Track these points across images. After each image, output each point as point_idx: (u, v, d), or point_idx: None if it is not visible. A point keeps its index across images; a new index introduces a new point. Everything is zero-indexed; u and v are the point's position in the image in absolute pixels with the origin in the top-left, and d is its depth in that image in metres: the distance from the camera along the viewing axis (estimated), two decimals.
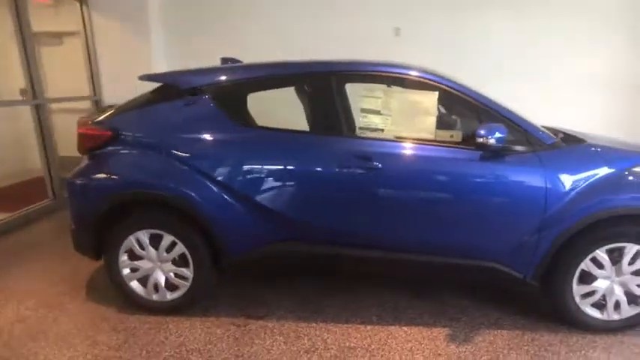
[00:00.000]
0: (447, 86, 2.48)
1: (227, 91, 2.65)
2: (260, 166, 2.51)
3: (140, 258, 2.68)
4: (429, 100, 2.46)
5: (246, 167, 2.51)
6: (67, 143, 4.68)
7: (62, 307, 2.85)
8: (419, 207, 2.43)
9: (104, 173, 2.61)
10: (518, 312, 2.72)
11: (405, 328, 2.58)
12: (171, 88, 2.68)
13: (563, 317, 2.52)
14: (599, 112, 5.33)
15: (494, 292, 2.92)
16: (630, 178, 2.38)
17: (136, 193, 2.57)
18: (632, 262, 2.37)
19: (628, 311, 2.44)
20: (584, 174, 2.35)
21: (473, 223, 2.40)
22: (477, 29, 5.43)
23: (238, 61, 3.14)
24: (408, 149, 2.44)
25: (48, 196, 4.78)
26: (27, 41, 4.26)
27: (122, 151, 2.61)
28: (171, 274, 2.67)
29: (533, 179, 2.34)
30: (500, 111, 2.43)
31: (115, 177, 2.61)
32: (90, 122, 2.72)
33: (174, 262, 2.66)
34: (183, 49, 5.85)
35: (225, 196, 2.52)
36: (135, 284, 2.73)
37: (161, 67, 5.84)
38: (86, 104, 5.87)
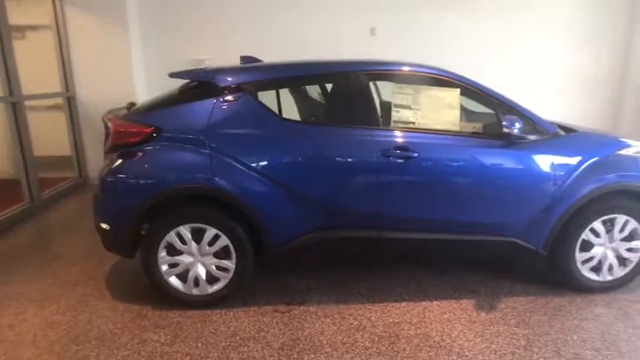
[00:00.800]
0: (467, 84, 2.77)
1: (267, 88, 2.74)
2: (303, 158, 2.63)
3: (179, 253, 2.69)
4: (452, 95, 2.74)
5: (290, 160, 2.63)
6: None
7: (91, 309, 2.78)
8: (452, 191, 2.70)
9: (148, 170, 2.60)
10: (526, 281, 3.08)
11: (436, 302, 2.84)
12: (208, 86, 2.71)
13: (567, 281, 2.92)
14: (564, 105, 6.00)
15: (500, 266, 3.28)
16: (616, 159, 2.82)
17: (183, 188, 2.59)
18: (621, 230, 2.82)
19: (619, 272, 2.89)
20: (582, 157, 2.75)
21: (498, 203, 2.72)
22: (450, 28, 5.90)
23: (258, 60, 3.22)
24: (439, 140, 2.70)
25: (23, 199, 4.47)
26: (3, 34, 3.97)
27: (165, 148, 2.61)
28: (213, 267, 2.72)
29: (544, 163, 2.70)
30: (512, 105, 2.77)
31: (160, 173, 2.60)
32: (125, 119, 2.68)
33: (215, 254, 2.71)
34: (161, 46, 5.71)
35: (270, 188, 2.62)
36: (174, 280, 2.74)
37: (139, 63, 5.68)
38: (51, 102, 5.54)
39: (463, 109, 3.01)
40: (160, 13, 5.65)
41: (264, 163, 2.61)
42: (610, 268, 2.88)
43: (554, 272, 2.97)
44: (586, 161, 2.75)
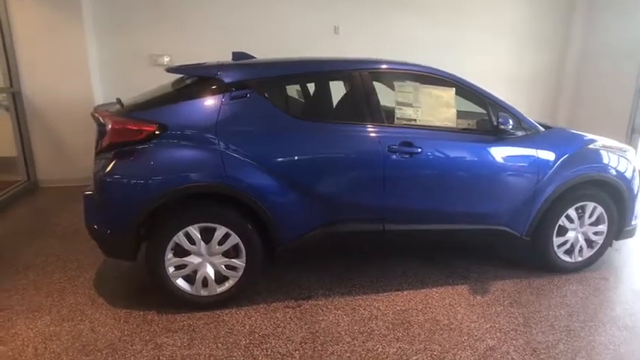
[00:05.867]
0: (461, 83, 2.97)
1: (274, 85, 2.75)
2: (313, 155, 2.68)
3: (186, 254, 2.63)
4: (449, 94, 2.92)
5: (299, 156, 2.66)
6: None
7: (90, 318, 2.62)
8: (452, 184, 2.88)
9: (154, 168, 2.49)
10: (508, 266, 3.36)
11: (434, 289, 3.02)
12: (212, 82, 2.66)
13: (545, 263, 3.23)
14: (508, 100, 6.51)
15: (484, 253, 3.54)
16: (586, 153, 3.17)
17: (194, 186, 2.52)
18: (590, 215, 3.18)
19: (587, 253, 3.26)
20: (560, 151, 3.05)
21: (492, 194, 2.95)
22: (405, 28, 6.19)
23: (250, 56, 3.20)
24: (440, 136, 2.87)
25: None
26: None
27: (171, 146, 2.53)
28: (222, 267, 2.68)
29: (530, 157, 2.97)
30: (501, 103, 3.01)
31: (168, 172, 2.50)
32: (125, 116, 2.55)
33: (224, 253, 2.67)
34: (116, 39, 5.40)
35: (281, 185, 2.63)
36: (180, 281, 2.66)
37: (94, 57, 5.33)
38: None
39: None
40: (116, 3, 5.34)
41: (275, 159, 2.61)
42: (580, 250, 3.23)
43: (534, 256, 3.27)
44: (563, 155, 3.05)
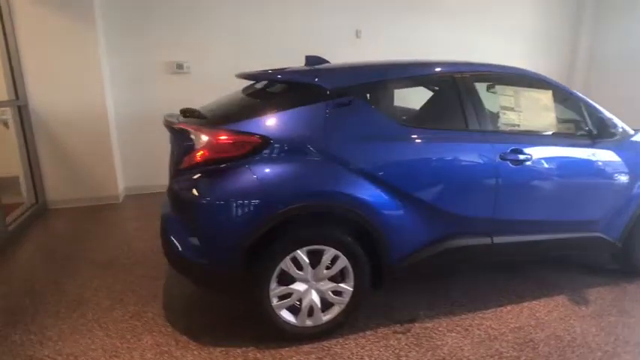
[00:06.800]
0: (556, 86, 2.85)
1: (376, 90, 2.52)
2: (424, 164, 2.47)
3: (291, 281, 2.34)
4: (547, 97, 2.80)
5: (410, 167, 2.44)
6: None
7: (178, 356, 2.28)
8: (559, 191, 2.75)
9: (262, 187, 2.20)
10: (590, 273, 3.27)
11: (535, 302, 2.87)
12: (310, 89, 2.40)
13: (633, 268, 3.17)
14: None
15: (557, 261, 3.44)
16: None
17: (306, 206, 2.24)
18: None
19: None
20: None
21: (594, 200, 2.85)
22: (424, 31, 6.11)
23: (324, 60, 2.96)
24: (545, 141, 2.75)
25: None
26: None
27: (277, 160, 2.25)
28: (330, 293, 2.41)
29: (627, 160, 2.89)
30: (595, 107, 2.91)
31: (278, 190, 2.21)
32: (221, 128, 2.24)
33: (331, 278, 2.41)
34: (129, 45, 4.98)
35: (391, 199, 2.40)
36: (285, 313, 2.37)
37: (106, 64, 4.90)
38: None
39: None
40: (130, 7, 4.93)
41: (386, 171, 2.38)
42: None
43: (624, 261, 3.19)
44: None
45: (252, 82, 2.88)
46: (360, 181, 2.33)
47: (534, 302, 2.87)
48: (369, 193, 2.34)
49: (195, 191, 2.24)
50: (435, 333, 2.54)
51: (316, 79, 2.43)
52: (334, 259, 2.36)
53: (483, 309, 2.79)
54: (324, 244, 2.32)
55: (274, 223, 2.20)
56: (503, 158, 2.57)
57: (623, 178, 2.89)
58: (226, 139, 2.21)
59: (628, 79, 6.33)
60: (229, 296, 2.67)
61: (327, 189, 2.28)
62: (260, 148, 2.23)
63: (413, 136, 2.47)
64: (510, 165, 2.59)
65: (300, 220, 2.29)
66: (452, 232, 2.59)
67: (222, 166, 2.23)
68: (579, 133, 2.86)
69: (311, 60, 2.92)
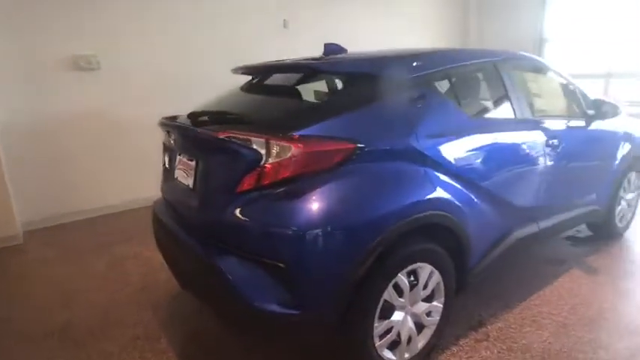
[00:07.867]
0: (555, 70, 2.97)
1: (447, 79, 2.25)
2: (499, 157, 2.32)
3: (390, 313, 1.95)
4: (556, 82, 2.90)
5: (489, 161, 2.25)
6: None
7: None
8: (580, 172, 2.90)
9: (367, 204, 1.76)
10: (574, 245, 3.56)
11: (561, 280, 2.96)
12: (381, 81, 2.00)
13: (609, 231, 3.53)
14: None
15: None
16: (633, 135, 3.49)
17: (413, 220, 1.86)
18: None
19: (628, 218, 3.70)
20: (625, 131, 3.31)
21: (600, 175, 3.08)
22: (349, 22, 6.00)
23: (344, 48, 2.57)
24: (569, 124, 2.83)
25: None
26: None
27: (370, 168, 1.83)
28: (425, 316, 2.09)
29: (616, 137, 3.18)
30: (580, 89, 3.11)
31: (386, 205, 1.80)
32: (306, 137, 1.71)
33: (425, 298, 2.09)
34: (25, 37, 3.70)
35: (473, 199, 2.18)
36: (387, 352, 1.97)
37: None
38: None
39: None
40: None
41: (467, 168, 2.15)
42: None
43: (604, 228, 3.51)
44: (626, 134, 3.32)
45: (248, 76, 2.46)
46: (450, 182, 2.06)
47: (560, 280, 2.97)
48: (458, 194, 2.09)
49: (281, 219, 1.67)
50: (512, 331, 2.43)
51: (370, 69, 2.05)
52: (430, 276, 2.05)
53: (546, 303, 2.72)
54: (421, 261, 1.99)
55: (384, 245, 1.78)
56: (546, 144, 2.57)
57: (615, 150, 3.19)
58: (321, 148, 1.70)
59: None
60: (316, 349, 2.14)
61: (431, 195, 1.95)
62: (351, 155, 1.78)
63: (487, 128, 2.29)
64: (550, 151, 2.60)
65: (402, 237, 1.90)
66: (513, 225, 2.51)
67: (300, 182, 1.70)
68: (587, 114, 3.01)
69: (331, 48, 2.49)
